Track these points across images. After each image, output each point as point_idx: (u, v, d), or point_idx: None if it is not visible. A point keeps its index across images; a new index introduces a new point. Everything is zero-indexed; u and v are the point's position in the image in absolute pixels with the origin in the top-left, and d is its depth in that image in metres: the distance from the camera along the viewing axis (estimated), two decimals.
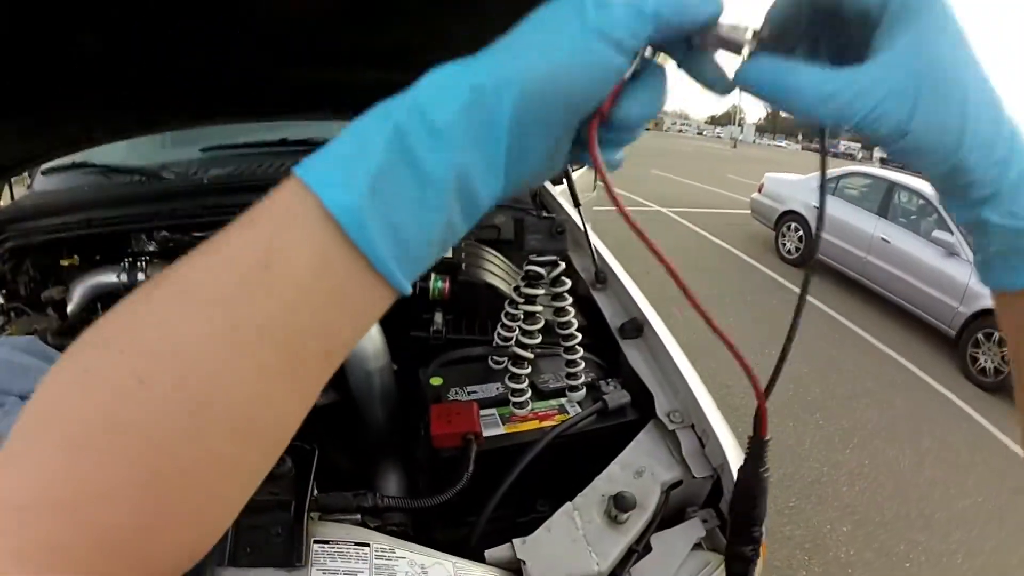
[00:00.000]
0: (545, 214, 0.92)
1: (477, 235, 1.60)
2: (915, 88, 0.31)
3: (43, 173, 1.89)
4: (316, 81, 1.33)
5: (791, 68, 0.33)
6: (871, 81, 0.31)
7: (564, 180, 2.18)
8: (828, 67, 0.32)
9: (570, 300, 0.96)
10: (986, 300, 5.08)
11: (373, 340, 1.08)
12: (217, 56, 1.17)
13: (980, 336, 5.06)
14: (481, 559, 0.79)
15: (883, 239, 6.30)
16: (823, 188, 0.46)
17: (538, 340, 0.94)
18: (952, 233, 5.65)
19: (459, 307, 1.22)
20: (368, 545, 0.72)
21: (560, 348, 1.00)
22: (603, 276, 1.34)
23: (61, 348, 1.03)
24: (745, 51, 0.34)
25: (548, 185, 1.84)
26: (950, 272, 5.52)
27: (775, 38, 0.35)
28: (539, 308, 0.93)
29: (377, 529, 0.81)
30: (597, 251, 1.40)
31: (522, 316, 0.94)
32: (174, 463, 0.26)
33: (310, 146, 1.80)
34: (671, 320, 1.22)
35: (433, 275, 1.20)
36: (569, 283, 0.94)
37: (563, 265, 0.93)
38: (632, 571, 0.81)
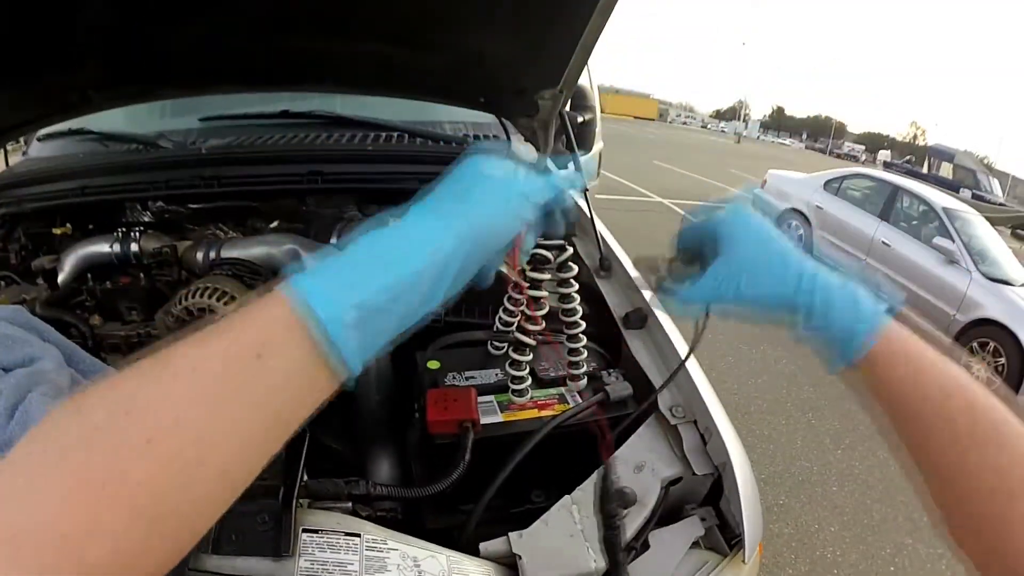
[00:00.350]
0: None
1: None
2: (733, 277, 0.55)
3: (39, 139, 1.85)
4: (319, 52, 1.29)
5: (679, 289, 0.60)
6: (711, 282, 0.57)
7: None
8: (699, 271, 0.59)
9: (576, 287, 0.92)
10: (982, 309, 5.12)
11: None
12: (218, 23, 1.13)
13: (975, 345, 5.07)
14: (475, 551, 0.76)
15: (884, 242, 6.29)
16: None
17: (541, 326, 0.91)
18: (953, 240, 5.64)
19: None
20: (359, 535, 0.68)
21: (563, 336, 0.97)
22: (608, 263, 1.31)
23: (50, 319, 1.01)
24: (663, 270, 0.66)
25: (551, 166, 1.79)
26: (949, 279, 5.52)
27: (682, 259, 0.65)
28: (544, 293, 0.89)
29: (371, 513, 0.78)
30: (602, 237, 1.37)
31: (526, 301, 0.90)
32: (168, 508, 0.31)
33: (312, 119, 1.77)
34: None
35: None
36: (576, 268, 0.91)
37: (571, 250, 0.89)
38: (629, 569, 0.78)
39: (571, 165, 1.51)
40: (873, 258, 6.36)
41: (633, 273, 1.27)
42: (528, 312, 0.90)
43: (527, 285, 0.88)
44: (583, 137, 2.64)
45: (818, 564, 2.75)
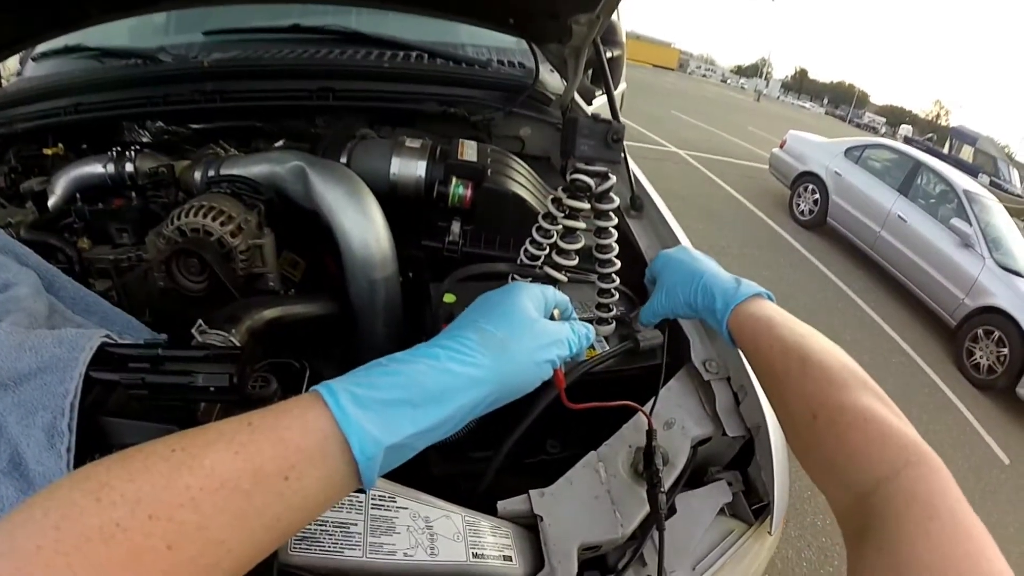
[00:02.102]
0: (602, 117, 0.77)
1: (500, 147, 1.45)
2: (663, 300, 0.78)
3: (34, 59, 1.73)
4: None
5: (643, 311, 0.83)
6: (655, 303, 0.80)
7: (598, 97, 2.03)
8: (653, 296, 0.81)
9: (615, 221, 0.82)
10: (992, 297, 5.07)
11: (381, 245, 0.94)
12: None
13: (980, 332, 5.03)
14: (490, 508, 0.68)
15: (900, 217, 6.18)
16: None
17: (575, 262, 0.81)
18: (971, 224, 5.53)
19: (480, 218, 1.08)
20: (363, 491, 0.60)
21: (594, 276, 0.88)
22: (639, 202, 1.21)
23: (34, 243, 0.89)
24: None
25: (581, 103, 1.68)
26: (962, 262, 5.46)
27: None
28: (582, 224, 0.79)
29: None
30: (634, 175, 1.26)
31: (559, 232, 0.80)
32: None
33: (324, 34, 1.64)
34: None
35: (454, 179, 1.06)
36: (617, 201, 0.81)
37: (614, 179, 0.79)
38: (654, 535, 0.71)
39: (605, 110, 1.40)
40: (887, 231, 6.28)
41: (666, 212, 1.17)
42: (561, 245, 0.80)
43: (563, 214, 0.78)
44: (611, 74, 2.51)
45: (807, 530, 2.74)
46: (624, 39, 3.54)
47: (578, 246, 0.80)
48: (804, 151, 7.76)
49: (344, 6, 1.70)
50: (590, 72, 1.95)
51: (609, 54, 2.46)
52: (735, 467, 0.90)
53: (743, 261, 5.85)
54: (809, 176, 7.49)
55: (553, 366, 0.52)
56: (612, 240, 0.83)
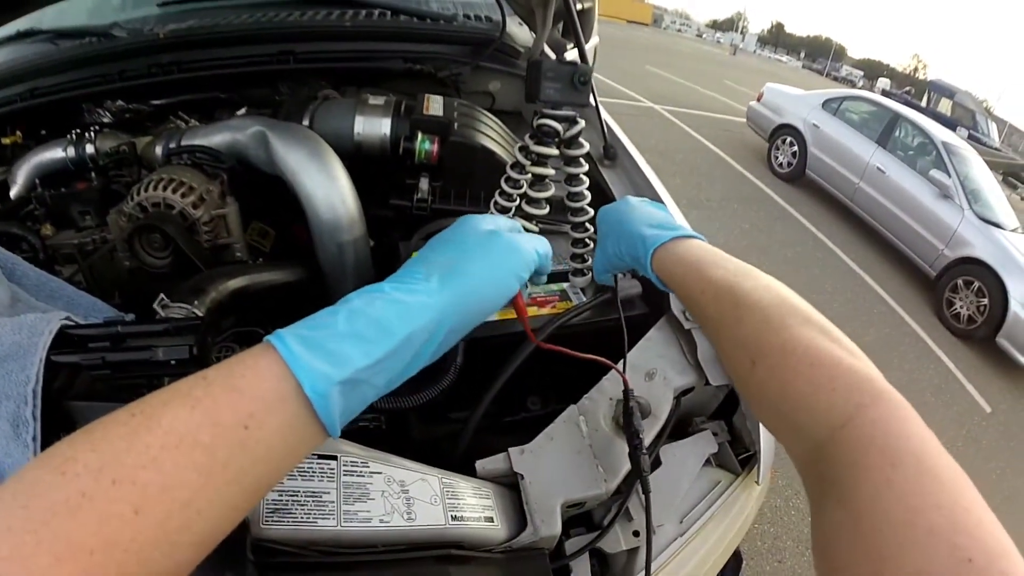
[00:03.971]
0: (568, 59, 0.73)
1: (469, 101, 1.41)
2: (603, 254, 0.74)
3: None
4: None
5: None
6: (599, 257, 0.75)
7: (570, 49, 1.98)
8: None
9: (585, 167, 0.79)
10: (971, 248, 5.12)
11: (347, 207, 0.91)
12: None
13: (960, 282, 5.08)
14: (470, 470, 0.66)
15: (879, 168, 6.18)
16: None
17: (545, 211, 0.79)
18: (950, 176, 5.56)
19: (449, 173, 1.04)
20: (335, 458, 0.57)
21: (565, 226, 0.85)
22: (612, 151, 1.18)
23: None
24: None
25: (551, 54, 1.63)
26: (941, 214, 5.48)
27: None
28: (551, 171, 0.76)
29: (351, 427, 0.68)
30: (606, 123, 1.23)
31: (528, 181, 0.77)
32: (148, 570, 0.32)
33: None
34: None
35: (420, 135, 1.02)
36: (587, 146, 0.78)
37: (583, 123, 0.76)
38: (639, 487, 0.70)
39: (575, 54, 1.36)
40: (866, 183, 6.29)
41: (641, 161, 1.14)
42: (531, 194, 0.77)
43: (530, 161, 0.75)
44: (581, 26, 2.45)
45: (796, 480, 2.73)
46: None
47: (548, 194, 0.78)
48: (781, 104, 7.71)
49: None
50: (560, 24, 1.90)
51: (579, 6, 2.41)
52: (720, 417, 0.89)
53: (723, 215, 5.84)
54: (787, 128, 7.45)
55: (519, 281, 0.51)
56: (583, 188, 0.80)
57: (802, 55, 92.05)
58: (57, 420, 0.53)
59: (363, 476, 0.57)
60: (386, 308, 0.42)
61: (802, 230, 6.08)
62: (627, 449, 0.66)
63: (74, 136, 1.12)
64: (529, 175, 0.76)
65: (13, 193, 1.12)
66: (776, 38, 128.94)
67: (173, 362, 0.57)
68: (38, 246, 0.97)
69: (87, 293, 0.79)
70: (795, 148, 7.31)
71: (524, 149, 0.76)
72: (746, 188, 6.99)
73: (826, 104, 7.21)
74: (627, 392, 0.68)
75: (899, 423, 0.39)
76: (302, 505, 0.54)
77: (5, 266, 0.76)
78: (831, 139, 6.86)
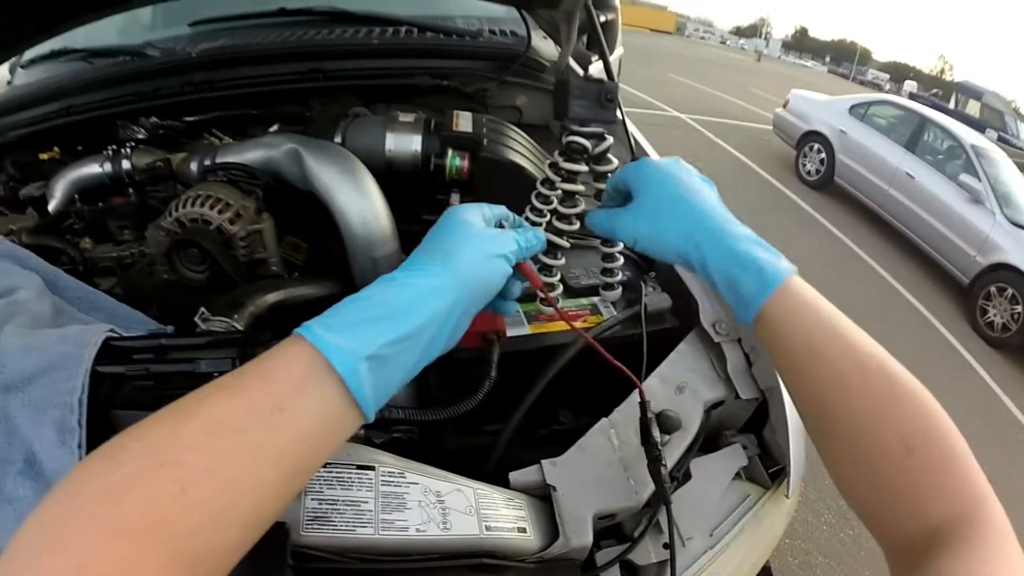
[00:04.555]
0: (595, 77, 0.75)
1: (497, 117, 1.43)
2: (637, 224, 0.60)
3: (22, 67, 1.69)
4: None
5: (594, 213, 0.67)
6: (617, 220, 0.63)
7: (594, 62, 1.99)
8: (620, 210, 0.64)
9: None
10: (1004, 254, 5.02)
11: (380, 223, 0.93)
12: None
13: (993, 289, 4.97)
14: (503, 481, 0.67)
15: (908, 174, 6.11)
16: None
17: (576, 226, 0.79)
18: (980, 180, 5.45)
19: (479, 188, 1.05)
20: (373, 468, 0.59)
21: (596, 241, 0.86)
22: None
23: (37, 247, 0.88)
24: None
25: (577, 69, 1.65)
26: (972, 219, 5.38)
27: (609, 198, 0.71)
28: (581, 187, 0.77)
29: (388, 438, 0.70)
30: (634, 137, 1.24)
31: (558, 197, 0.78)
32: (203, 551, 0.34)
33: (312, 15, 1.60)
34: None
35: (450, 151, 1.04)
36: (616, 162, 0.79)
37: (611, 140, 0.77)
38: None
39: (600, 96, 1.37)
40: (895, 189, 6.20)
41: None
42: (561, 210, 0.79)
43: (560, 178, 0.76)
44: (605, 38, 2.46)
45: (826, 493, 2.74)
46: (618, 3, 3.49)
47: (578, 210, 0.79)
48: (808, 110, 7.66)
49: None
50: (584, 37, 1.92)
51: (603, 18, 2.42)
52: (750, 430, 0.89)
53: (750, 225, 5.74)
54: (814, 135, 7.40)
55: (508, 262, 0.55)
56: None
57: (827, 60, 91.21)
58: (101, 428, 0.55)
59: (400, 486, 0.59)
60: (400, 292, 0.46)
61: (831, 239, 6.01)
62: None
63: (110, 152, 1.15)
64: (559, 191, 0.78)
65: (51, 207, 1.15)
66: (800, 43, 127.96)
67: (216, 374, 0.58)
68: (77, 259, 1.00)
69: (126, 305, 0.83)
70: (823, 155, 7.26)
71: (554, 166, 0.77)
72: (773, 196, 6.95)
73: (853, 109, 7.15)
74: (644, 404, 0.68)
75: (1006, 526, 0.43)
76: (341, 513, 0.56)
77: (48, 278, 0.79)
78: (859, 145, 6.79)
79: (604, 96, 0.74)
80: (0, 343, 0.59)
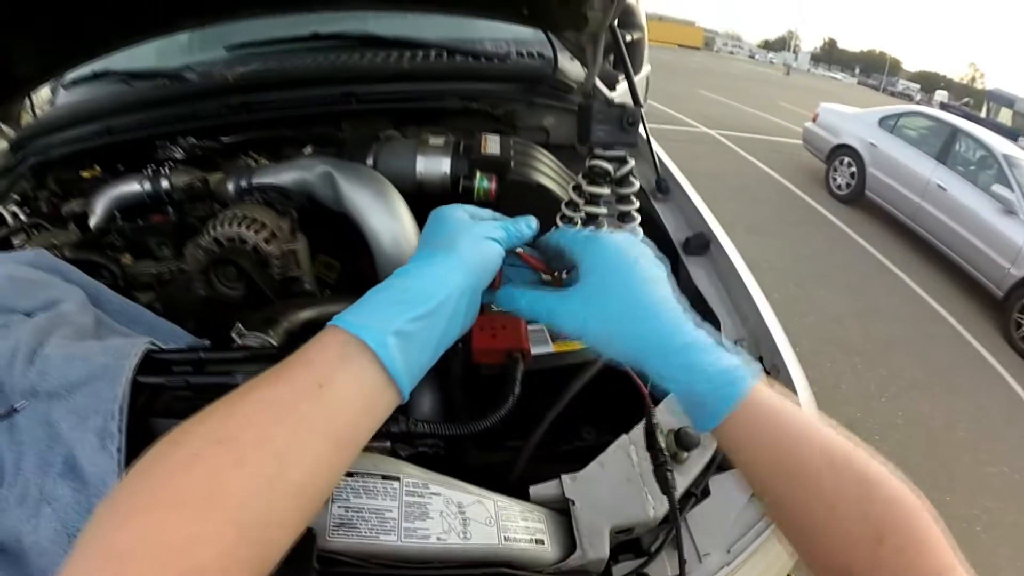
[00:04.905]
0: (616, 102, 0.77)
1: (525, 138, 1.46)
2: (584, 315, 0.54)
3: (64, 87, 1.79)
4: None
5: (519, 294, 0.59)
6: (562, 307, 0.55)
7: (621, 82, 2.02)
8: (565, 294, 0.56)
9: (637, 204, 0.83)
10: None
11: (410, 244, 0.96)
12: None
13: None
14: (524, 494, 0.70)
15: (939, 185, 5.99)
16: None
17: None
18: (1013, 190, 5.33)
19: (507, 209, 1.08)
20: (398, 479, 0.62)
21: None
22: (665, 185, 1.20)
23: (79, 261, 0.93)
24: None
25: (604, 88, 1.67)
26: (1006, 231, 5.24)
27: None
28: (603, 210, 0.80)
29: (414, 452, 0.73)
30: (659, 157, 1.26)
31: (581, 219, 0.81)
32: (256, 517, 0.37)
33: (344, 40, 1.67)
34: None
35: (478, 173, 1.07)
36: (637, 184, 0.81)
37: (632, 162, 0.79)
38: (688, 517, 0.72)
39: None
40: (927, 201, 6.09)
41: (693, 194, 1.17)
42: None
43: (584, 200, 0.79)
44: (632, 57, 2.48)
45: None
46: (644, 21, 3.51)
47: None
48: (837, 123, 7.59)
49: (360, 11, 1.73)
50: (611, 57, 1.94)
51: (629, 37, 2.43)
52: None
53: (781, 240, 5.76)
54: (844, 149, 7.33)
55: (500, 244, 0.57)
56: (636, 224, 0.83)
57: (856, 71, 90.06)
58: (140, 435, 0.59)
59: (424, 496, 0.62)
60: (416, 279, 0.50)
61: (863, 253, 5.94)
62: (675, 478, 0.69)
63: (150, 171, 1.20)
64: (583, 213, 0.80)
65: (93, 223, 1.20)
66: (829, 55, 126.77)
67: None
68: (118, 274, 1.04)
69: (165, 319, 0.87)
70: (853, 168, 7.18)
71: (577, 188, 0.80)
72: (804, 211, 6.90)
73: (883, 122, 7.07)
74: (649, 412, 0.70)
75: None
76: (366, 521, 0.58)
77: (90, 292, 0.83)
78: (889, 157, 6.70)
79: (626, 120, 0.76)
80: (45, 353, 0.63)
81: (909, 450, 3.19)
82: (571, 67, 1.62)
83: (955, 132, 6.34)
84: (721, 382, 0.48)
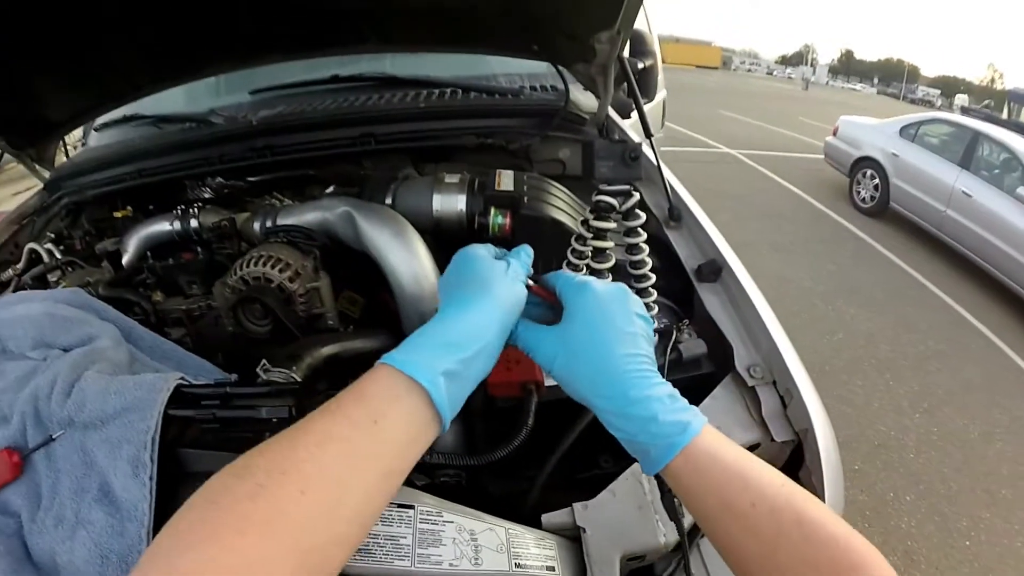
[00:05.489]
0: (617, 137, 0.80)
1: (541, 171, 1.49)
2: (554, 354, 0.58)
3: (96, 129, 1.89)
4: (362, 10, 1.26)
5: (523, 323, 0.61)
6: (541, 339, 0.59)
7: (635, 111, 2.05)
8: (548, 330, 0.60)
9: (644, 236, 0.85)
10: None
11: (429, 280, 1.00)
12: None
13: None
14: (537, 522, 0.72)
15: (964, 192, 5.87)
16: None
17: (608, 280, 0.84)
18: None
19: (521, 243, 1.11)
20: (413, 507, 0.65)
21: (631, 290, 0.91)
22: (677, 213, 1.22)
23: (112, 299, 1.00)
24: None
25: (616, 118, 1.70)
26: None
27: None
28: (610, 244, 0.83)
29: (429, 482, 0.75)
30: (671, 185, 1.28)
31: (590, 253, 0.84)
32: (316, 542, 0.41)
33: (362, 81, 1.73)
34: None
35: (493, 209, 1.11)
36: (644, 217, 0.84)
37: (637, 196, 0.82)
38: (701, 544, 0.73)
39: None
40: (953, 209, 5.98)
41: (705, 221, 1.19)
42: (593, 265, 0.84)
43: (591, 235, 0.82)
44: (645, 84, 2.50)
45: (892, 535, 2.64)
46: (656, 47, 3.53)
47: (609, 265, 0.84)
48: (858, 136, 7.54)
49: (377, 54, 1.78)
50: (624, 85, 1.96)
51: (641, 64, 2.48)
52: (785, 473, 0.90)
53: (807, 257, 5.71)
54: (866, 161, 7.26)
55: (521, 280, 0.62)
56: (644, 255, 0.86)
57: (875, 81, 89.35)
58: (170, 464, 0.64)
59: (437, 524, 0.65)
60: (459, 322, 0.54)
61: (890, 266, 5.85)
62: None
63: (179, 212, 1.26)
64: (591, 247, 0.83)
65: (125, 261, 1.26)
66: (847, 66, 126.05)
67: (275, 420, 0.68)
68: (150, 310, 1.10)
69: (194, 354, 0.92)
70: (876, 180, 7.10)
71: (585, 223, 0.83)
72: (829, 227, 6.83)
73: (903, 131, 6.99)
74: None
75: None
76: (381, 546, 0.61)
77: (123, 329, 0.89)
78: (912, 167, 6.61)
79: (628, 155, 0.79)
80: (82, 386, 0.69)
81: (945, 465, 3.12)
82: (584, 98, 1.65)
83: (977, 136, 6.23)
84: (664, 434, 0.52)
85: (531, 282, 0.65)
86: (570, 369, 0.57)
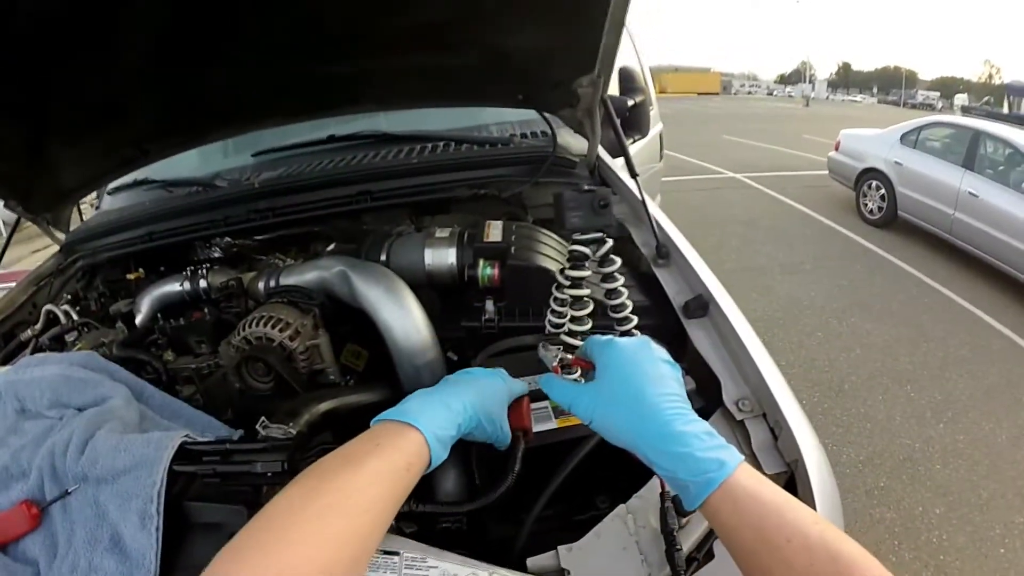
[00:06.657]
0: (587, 187, 0.83)
1: (535, 216, 1.54)
2: (593, 406, 0.66)
3: (109, 193, 2.01)
4: (353, 74, 1.33)
5: (552, 382, 0.74)
6: (577, 397, 0.68)
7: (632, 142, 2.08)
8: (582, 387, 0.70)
9: (621, 280, 0.88)
10: None
11: (421, 334, 1.04)
12: (252, 59, 1.19)
13: None
14: (524, 565, 0.74)
15: (971, 193, 5.80)
16: None
17: (588, 326, 0.87)
18: None
19: (511, 293, 1.15)
20: (398, 554, 0.67)
21: (616, 332, 0.93)
22: (665, 251, 1.25)
23: (125, 359, 1.09)
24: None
25: (607, 158, 1.75)
26: None
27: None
28: (587, 291, 0.86)
29: (425, 530, 0.78)
30: (658, 223, 1.31)
31: (569, 301, 0.87)
32: (358, 555, 0.55)
33: (358, 140, 1.81)
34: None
35: (482, 261, 1.15)
36: (619, 262, 0.86)
37: (610, 242, 0.84)
38: None
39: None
40: (961, 211, 5.91)
41: (693, 257, 1.21)
42: (573, 313, 0.87)
43: (568, 284, 0.85)
44: (637, 120, 2.57)
45: (923, 550, 2.58)
46: (649, 82, 3.60)
47: (587, 311, 0.86)
48: (860, 148, 7.56)
49: (371, 112, 1.85)
50: (619, 122, 1.99)
51: (631, 101, 2.53)
52: None
53: (819, 276, 5.69)
54: (871, 173, 7.26)
55: (507, 393, 0.82)
56: (624, 299, 0.88)
57: (875, 90, 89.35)
58: (176, 516, 0.71)
59: (422, 570, 0.67)
60: (452, 413, 0.71)
61: (904, 276, 5.80)
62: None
63: (189, 272, 1.33)
64: (568, 296, 0.86)
65: (138, 321, 1.32)
66: (845, 79, 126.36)
67: (270, 474, 0.73)
68: (161, 370, 1.15)
69: (203, 411, 0.99)
70: (882, 191, 7.08)
71: (562, 272, 0.86)
72: (839, 242, 6.81)
73: (904, 138, 6.98)
74: (664, 494, 0.74)
75: None
76: None
77: (134, 389, 0.96)
78: (917, 173, 6.58)
79: (597, 203, 0.81)
80: (95, 443, 0.76)
81: (974, 473, 3.05)
82: (574, 141, 1.69)
83: (977, 135, 6.18)
84: (702, 470, 0.56)
85: (570, 356, 0.77)
86: (609, 417, 0.64)
